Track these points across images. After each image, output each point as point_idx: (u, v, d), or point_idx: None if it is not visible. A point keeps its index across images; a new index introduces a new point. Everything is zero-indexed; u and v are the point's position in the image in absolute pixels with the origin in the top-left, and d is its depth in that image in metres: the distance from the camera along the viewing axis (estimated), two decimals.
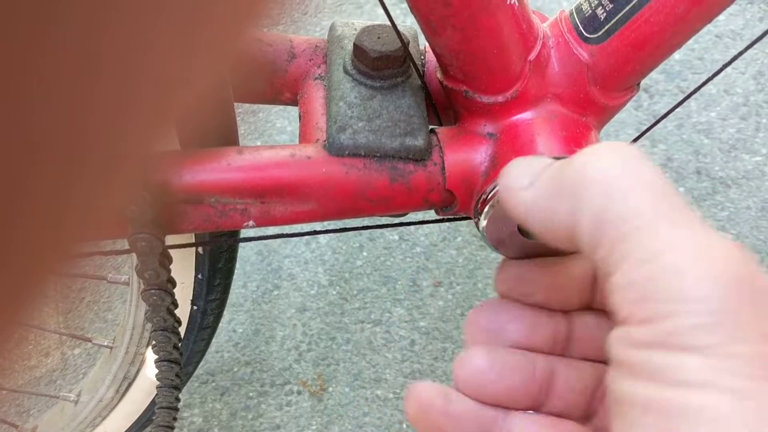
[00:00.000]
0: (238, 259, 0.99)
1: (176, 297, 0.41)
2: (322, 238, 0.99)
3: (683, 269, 0.21)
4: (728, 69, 1.09)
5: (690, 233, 0.22)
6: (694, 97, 1.05)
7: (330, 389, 0.89)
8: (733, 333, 0.21)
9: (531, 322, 0.31)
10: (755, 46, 0.43)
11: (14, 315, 0.11)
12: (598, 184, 0.24)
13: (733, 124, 1.04)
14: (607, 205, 0.23)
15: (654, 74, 1.09)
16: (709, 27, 1.18)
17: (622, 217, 0.23)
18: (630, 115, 1.06)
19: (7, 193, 0.10)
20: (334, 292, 0.96)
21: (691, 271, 0.21)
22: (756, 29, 1.12)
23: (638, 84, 0.40)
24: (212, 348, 0.92)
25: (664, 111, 1.05)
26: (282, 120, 1.10)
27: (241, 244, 0.99)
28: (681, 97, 1.07)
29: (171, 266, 0.39)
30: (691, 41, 1.13)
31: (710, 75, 0.41)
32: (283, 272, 0.97)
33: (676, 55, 1.10)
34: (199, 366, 0.87)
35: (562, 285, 0.31)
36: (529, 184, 0.26)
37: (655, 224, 0.22)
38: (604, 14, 0.37)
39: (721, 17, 1.13)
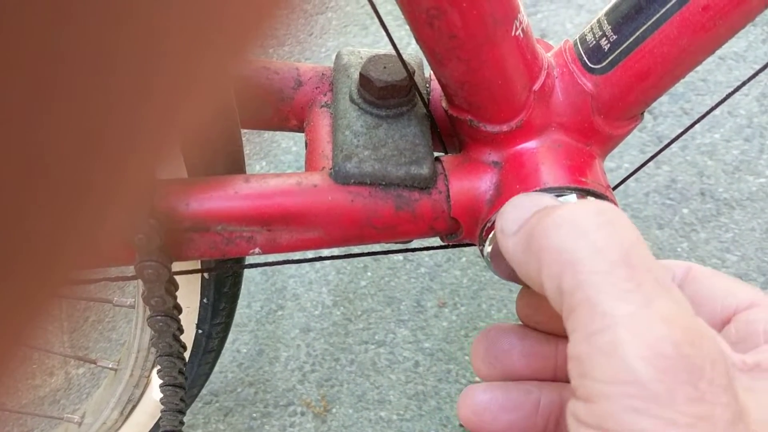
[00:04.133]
0: (242, 280, 0.99)
1: (181, 322, 0.42)
2: None
3: (619, 349, 0.21)
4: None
5: (633, 309, 0.22)
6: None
7: (334, 410, 0.89)
8: (664, 416, 0.20)
9: (531, 351, 0.31)
10: (758, 68, 0.43)
11: (20, 337, 0.12)
12: (556, 252, 0.24)
13: (737, 146, 1.04)
14: (562, 275, 0.23)
15: None
16: None
17: (573, 288, 0.23)
18: (634, 137, 1.06)
19: (15, 219, 0.10)
20: (338, 313, 0.96)
21: (626, 350, 0.21)
22: (759, 51, 1.13)
23: (642, 113, 0.41)
24: (216, 368, 0.92)
25: (668, 132, 1.06)
26: (287, 140, 1.11)
27: None
28: (685, 118, 1.07)
29: (177, 292, 0.40)
30: None
31: (718, 101, 0.41)
32: (288, 292, 0.97)
33: None
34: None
35: None
36: (516, 230, 0.27)
37: (599, 299, 0.22)
38: (608, 45, 0.37)
39: None
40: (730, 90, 1.04)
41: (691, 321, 0.22)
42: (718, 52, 1.13)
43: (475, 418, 0.30)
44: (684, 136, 1.05)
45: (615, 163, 1.04)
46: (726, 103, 1.07)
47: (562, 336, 0.32)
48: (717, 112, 1.07)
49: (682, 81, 1.14)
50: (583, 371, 0.22)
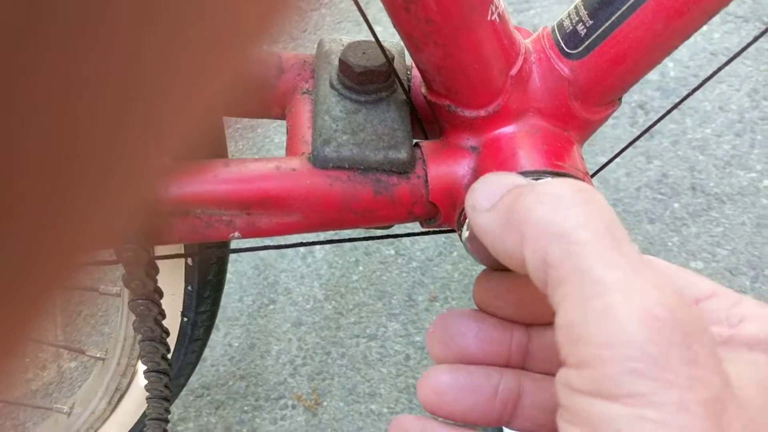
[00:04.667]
0: (233, 273, 1.00)
1: (166, 308, 0.42)
2: (318, 252, 1.00)
3: (614, 313, 0.21)
4: (723, 86, 1.09)
5: (624, 276, 0.22)
6: (689, 113, 1.05)
7: (325, 403, 0.89)
8: (662, 378, 0.21)
9: (486, 335, 0.31)
10: (749, 63, 0.43)
11: (21, 332, 0.12)
12: (541, 225, 0.24)
13: (728, 141, 1.05)
14: (548, 247, 0.23)
15: (650, 91, 1.09)
16: (704, 44, 1.19)
17: (561, 259, 0.23)
18: (625, 131, 1.06)
19: (10, 211, 0.10)
20: (330, 307, 0.96)
21: (621, 315, 0.21)
22: (751, 47, 1.13)
23: (620, 98, 0.41)
24: (207, 362, 0.92)
25: (659, 127, 1.06)
26: (280, 135, 1.11)
27: (238, 259, 0.99)
28: (676, 113, 1.07)
29: (158, 277, 0.40)
30: (686, 58, 1.14)
31: (699, 82, 0.41)
32: (279, 286, 0.98)
33: (672, 72, 1.11)
34: (194, 379, 0.87)
35: (529, 300, 0.31)
36: (490, 206, 0.27)
37: (590, 267, 0.22)
38: (585, 30, 0.37)
39: (716, 35, 1.14)
40: (721, 85, 1.04)
41: (677, 290, 0.23)
42: (710, 48, 1.13)
43: (435, 399, 0.30)
44: (675, 131, 1.05)
45: (607, 158, 1.04)
46: (717, 98, 1.07)
47: (517, 322, 0.32)
48: (708, 107, 1.07)
49: (673, 77, 1.13)
50: (575, 337, 0.22)
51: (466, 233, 0.39)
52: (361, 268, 0.98)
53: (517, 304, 0.32)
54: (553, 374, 0.31)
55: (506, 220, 0.26)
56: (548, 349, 0.31)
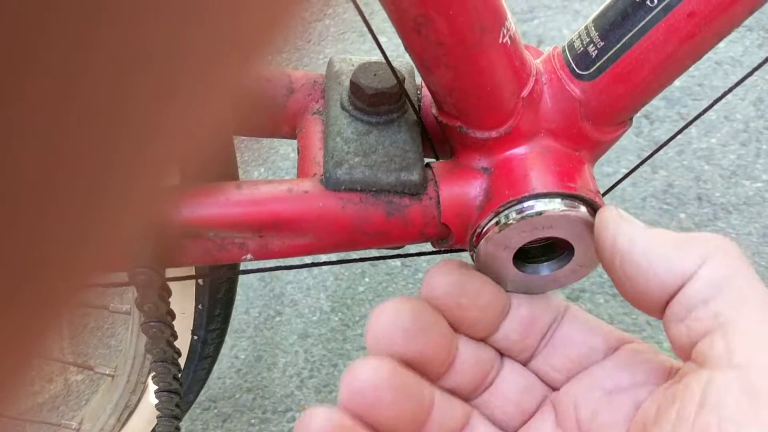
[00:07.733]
0: (240, 285, 1.00)
1: (177, 327, 0.42)
2: None
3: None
4: (728, 96, 1.10)
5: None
6: (694, 123, 1.05)
7: None
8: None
9: (422, 339, 0.33)
10: (754, 72, 0.43)
11: (30, 349, 0.12)
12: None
13: (734, 150, 1.05)
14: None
15: (654, 101, 1.09)
16: (709, 54, 1.19)
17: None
18: (631, 142, 1.06)
19: (32, 227, 0.10)
20: (336, 319, 0.96)
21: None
22: (755, 56, 1.13)
23: (631, 118, 0.41)
24: (214, 374, 0.92)
25: (664, 137, 1.06)
26: (285, 147, 1.11)
27: None
28: (681, 123, 1.07)
29: (170, 298, 0.40)
30: (691, 68, 1.14)
31: (710, 102, 0.42)
32: (286, 298, 0.98)
33: (677, 82, 1.11)
34: (201, 392, 0.87)
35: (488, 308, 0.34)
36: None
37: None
38: (596, 52, 0.37)
39: (721, 44, 1.14)
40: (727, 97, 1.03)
41: None
42: (715, 58, 1.13)
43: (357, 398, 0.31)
44: (681, 141, 1.05)
45: (612, 168, 1.04)
46: (722, 107, 1.07)
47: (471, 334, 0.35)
48: (713, 116, 1.07)
49: (678, 86, 1.13)
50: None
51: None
52: (367, 279, 0.98)
53: (481, 308, 0.35)
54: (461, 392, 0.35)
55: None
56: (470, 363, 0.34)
